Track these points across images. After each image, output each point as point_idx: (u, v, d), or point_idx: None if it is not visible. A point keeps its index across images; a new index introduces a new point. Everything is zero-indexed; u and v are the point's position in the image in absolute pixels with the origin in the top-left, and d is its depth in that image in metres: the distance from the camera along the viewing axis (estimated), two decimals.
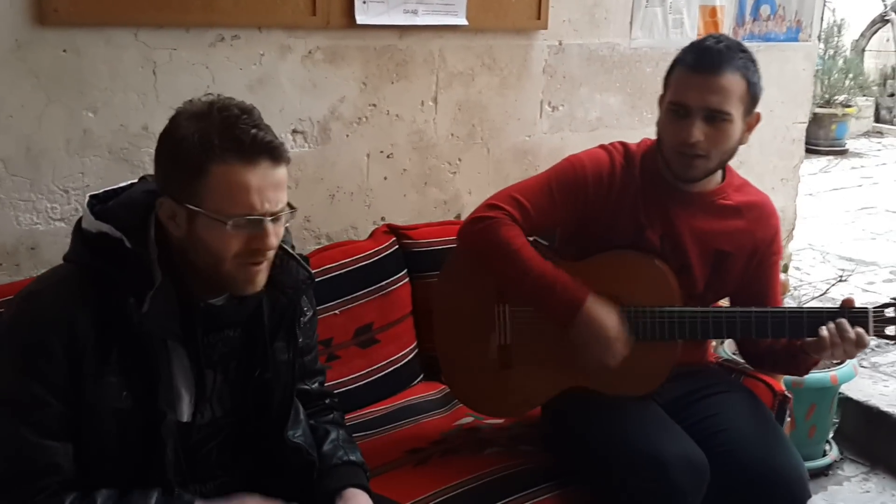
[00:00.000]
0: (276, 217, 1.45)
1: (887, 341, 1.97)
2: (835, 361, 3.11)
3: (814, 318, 1.93)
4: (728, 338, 2.07)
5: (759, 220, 2.09)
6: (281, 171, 1.44)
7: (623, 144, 2.11)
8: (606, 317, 1.94)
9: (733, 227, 2.07)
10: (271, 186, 1.42)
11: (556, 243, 2.16)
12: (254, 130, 1.40)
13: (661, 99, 2.01)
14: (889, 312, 1.93)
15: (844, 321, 1.90)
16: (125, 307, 1.41)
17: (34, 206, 2.14)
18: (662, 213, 2.04)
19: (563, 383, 2.06)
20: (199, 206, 1.40)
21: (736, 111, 1.92)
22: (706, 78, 1.90)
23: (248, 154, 1.39)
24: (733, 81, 1.90)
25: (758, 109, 1.99)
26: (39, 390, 1.39)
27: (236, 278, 1.47)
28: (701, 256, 2.06)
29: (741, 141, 1.99)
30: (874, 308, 1.93)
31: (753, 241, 2.08)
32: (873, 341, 3.67)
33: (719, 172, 2.07)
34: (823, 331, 1.90)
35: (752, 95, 1.95)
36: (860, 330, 1.89)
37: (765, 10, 3.28)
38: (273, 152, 1.41)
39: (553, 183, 2.05)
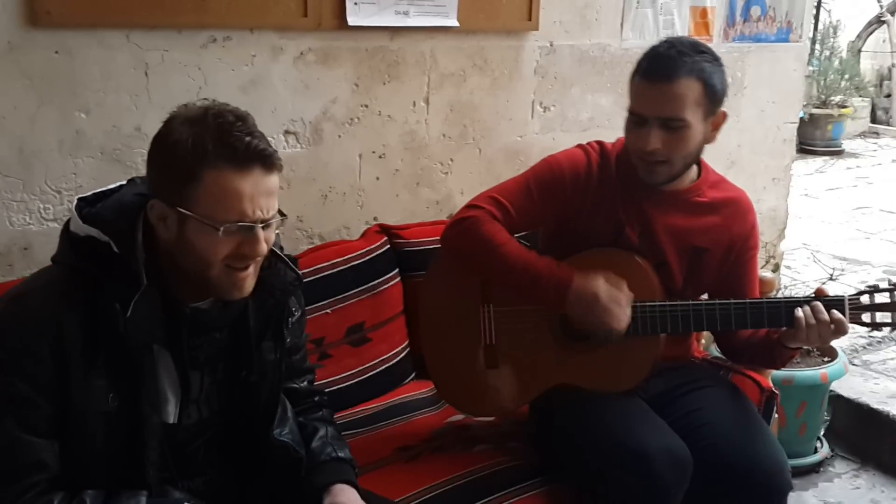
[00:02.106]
0: (267, 224, 1.46)
1: (863, 327, 1.99)
2: (817, 353, 3.14)
3: (791, 307, 1.95)
4: (708, 330, 2.08)
5: (735, 216, 2.11)
6: (273, 179, 1.46)
7: (600, 143, 2.13)
8: (595, 286, 1.94)
9: (708, 224, 2.09)
10: (263, 194, 1.44)
11: (539, 243, 2.18)
12: (248, 138, 1.41)
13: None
14: (864, 300, 1.95)
15: (819, 304, 1.92)
16: (110, 311, 1.42)
17: (27, 207, 2.16)
18: (639, 211, 2.06)
19: (549, 381, 2.08)
20: (191, 210, 1.41)
21: (692, 116, 1.92)
22: (659, 87, 1.92)
23: (241, 161, 1.41)
24: (687, 87, 1.90)
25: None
26: (27, 390, 1.40)
27: (224, 283, 1.48)
28: (678, 253, 2.08)
29: (706, 140, 2.00)
30: (850, 296, 1.95)
31: (730, 237, 2.10)
32: (863, 339, 3.75)
33: (694, 169, 2.09)
34: (798, 312, 1.92)
35: (712, 95, 1.94)
36: (837, 314, 1.91)
37: (755, 10, 3.30)
38: (266, 160, 1.43)
39: (532, 183, 2.08)
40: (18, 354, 1.40)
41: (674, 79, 1.90)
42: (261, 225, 1.45)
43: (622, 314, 1.95)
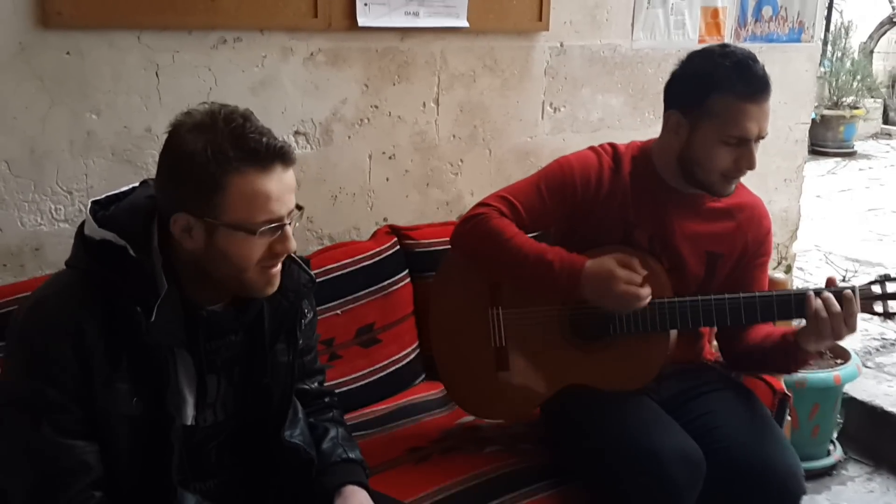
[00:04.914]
0: (291, 219, 1.47)
1: (875, 317, 1.96)
2: (830, 356, 3.11)
3: (801, 298, 1.91)
4: (718, 325, 2.04)
5: (750, 221, 2.10)
6: (292, 174, 1.47)
7: (612, 146, 2.12)
8: (608, 267, 1.91)
9: (724, 229, 2.08)
10: (287, 190, 1.45)
11: (551, 242, 2.17)
12: (264, 138, 1.41)
13: (689, 119, 1.95)
14: (876, 289, 1.93)
15: (831, 296, 1.88)
16: (132, 315, 1.42)
17: (38, 208, 2.16)
18: (655, 215, 2.05)
19: (559, 383, 2.07)
20: (220, 218, 1.41)
21: None
22: (760, 107, 1.90)
23: (263, 162, 1.41)
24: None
25: None
26: (57, 395, 1.40)
27: (258, 282, 1.49)
28: (694, 258, 2.07)
29: None
30: (861, 286, 1.92)
31: (744, 242, 2.09)
32: (876, 342, 3.72)
33: None
34: (811, 298, 1.88)
35: None
36: (848, 296, 1.86)
37: (767, 10, 3.29)
38: (285, 156, 1.44)
39: (542, 184, 2.07)
40: (45, 360, 1.40)
41: (770, 95, 1.90)
42: (288, 222, 1.46)
43: (637, 291, 1.91)
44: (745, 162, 1.92)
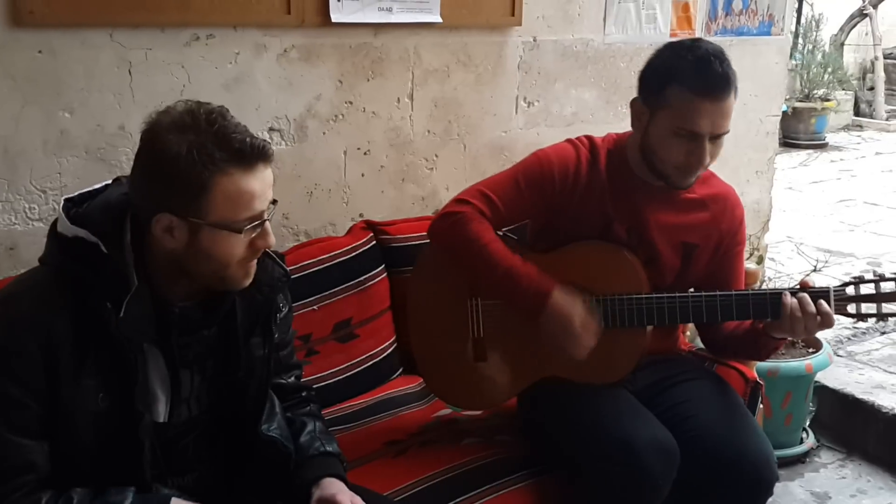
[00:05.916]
0: (269, 214, 1.50)
1: (848, 318, 1.99)
2: (802, 345, 3.16)
3: (776, 298, 1.95)
4: (694, 322, 2.08)
5: (723, 212, 2.12)
6: (270, 170, 1.48)
7: (589, 138, 2.14)
8: (573, 309, 1.96)
9: (698, 220, 2.10)
10: (268, 186, 1.48)
11: (528, 237, 2.19)
12: (247, 138, 1.42)
13: (649, 107, 1.98)
14: (850, 291, 1.96)
15: (805, 295, 1.92)
16: (102, 311, 1.42)
17: (12, 207, 2.15)
18: (630, 207, 2.07)
19: (537, 374, 2.09)
20: (205, 218, 1.42)
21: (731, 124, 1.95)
22: (715, 104, 1.90)
23: (248, 162, 1.42)
24: (733, 99, 1.92)
25: None
26: (16, 391, 1.40)
27: (237, 276, 1.52)
28: (669, 249, 2.09)
29: None
30: (835, 287, 1.96)
31: (719, 232, 2.12)
32: (847, 331, 3.77)
33: None
34: (786, 301, 1.92)
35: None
36: (824, 306, 1.90)
37: (737, 4, 3.32)
38: (265, 155, 1.45)
39: (520, 177, 2.08)
40: (8, 356, 1.40)
41: (729, 95, 1.91)
42: (267, 217, 1.49)
43: (588, 343, 1.97)
44: (695, 157, 1.93)
